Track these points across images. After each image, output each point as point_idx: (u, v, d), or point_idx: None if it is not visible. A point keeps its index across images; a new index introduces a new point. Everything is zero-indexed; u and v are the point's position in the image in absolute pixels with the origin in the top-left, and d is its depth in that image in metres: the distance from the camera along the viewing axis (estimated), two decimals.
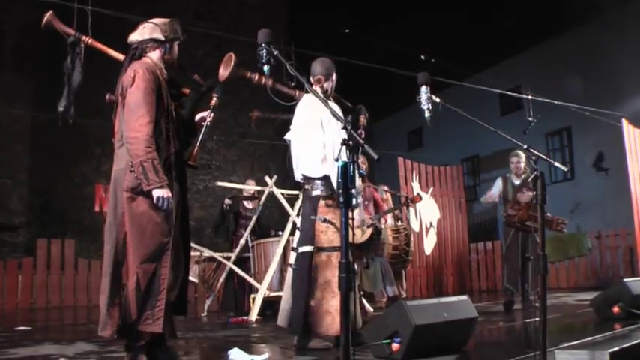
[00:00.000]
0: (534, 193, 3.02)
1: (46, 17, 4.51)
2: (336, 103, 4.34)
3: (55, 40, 5.03)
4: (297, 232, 4.47)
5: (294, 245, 4.46)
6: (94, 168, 13.73)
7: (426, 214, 11.01)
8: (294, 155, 4.36)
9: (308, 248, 4.14)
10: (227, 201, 8.06)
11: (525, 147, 3.27)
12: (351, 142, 2.27)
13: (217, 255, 7.90)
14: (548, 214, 6.71)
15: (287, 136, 4.51)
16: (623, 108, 12.40)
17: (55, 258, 10.59)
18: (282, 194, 7.59)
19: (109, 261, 3.15)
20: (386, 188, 8.64)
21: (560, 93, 12.07)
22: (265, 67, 2.83)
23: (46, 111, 12.02)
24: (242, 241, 7.61)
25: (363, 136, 4.50)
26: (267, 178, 7.77)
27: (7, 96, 13.28)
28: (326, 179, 4.14)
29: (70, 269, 10.68)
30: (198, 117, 3.69)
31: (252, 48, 2.93)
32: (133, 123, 3.10)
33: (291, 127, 4.45)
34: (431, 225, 11.20)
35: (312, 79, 4.29)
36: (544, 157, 3.24)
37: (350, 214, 2.27)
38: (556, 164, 3.61)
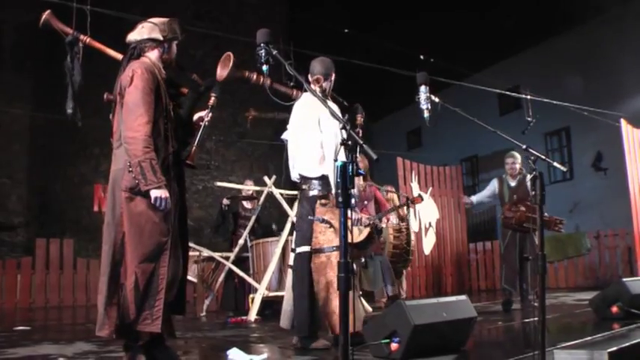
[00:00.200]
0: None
1: (43, 16, 4.51)
2: (334, 102, 4.34)
3: (55, 39, 5.03)
4: (296, 233, 4.46)
5: (293, 246, 4.46)
6: (93, 168, 13.72)
7: (425, 214, 11.01)
8: (290, 155, 4.36)
9: (306, 249, 4.14)
10: (225, 201, 8.06)
11: (524, 147, 3.27)
12: (350, 142, 2.27)
13: (216, 255, 7.89)
14: (546, 215, 6.72)
15: (284, 136, 4.51)
16: (623, 108, 12.40)
17: (53, 258, 10.58)
18: (281, 194, 7.58)
19: (107, 261, 3.15)
20: (390, 188, 8.64)
21: (560, 93, 12.08)
22: (264, 67, 2.83)
23: (44, 110, 12.05)
24: (241, 241, 7.61)
25: (360, 135, 4.50)
26: (266, 178, 7.77)
27: (6, 95, 13.26)
28: (323, 179, 4.14)
29: (68, 269, 10.67)
30: (196, 116, 3.69)
31: (251, 48, 2.93)
32: (132, 123, 3.10)
33: (288, 126, 4.44)
34: (430, 225, 11.19)
35: (310, 78, 4.28)
36: (543, 157, 3.24)
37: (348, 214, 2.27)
38: (555, 164, 3.61)
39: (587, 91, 14.23)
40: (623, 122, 10.13)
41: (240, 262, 7.67)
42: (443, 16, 17.78)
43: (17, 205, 14.12)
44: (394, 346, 3.36)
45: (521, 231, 6.94)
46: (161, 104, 3.25)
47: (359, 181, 7.62)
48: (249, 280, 7.38)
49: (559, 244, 11.44)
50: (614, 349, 3.14)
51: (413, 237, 8.28)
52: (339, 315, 2.21)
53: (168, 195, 3.11)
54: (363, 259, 7.60)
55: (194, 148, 3.64)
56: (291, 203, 7.43)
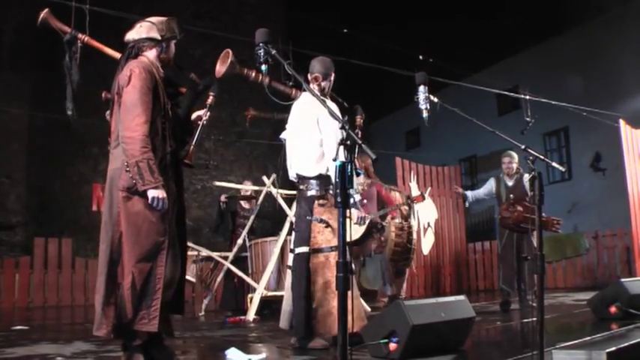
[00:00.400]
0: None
1: (41, 15, 4.50)
2: (333, 102, 4.34)
3: (54, 39, 5.02)
4: (294, 233, 4.46)
5: (292, 246, 4.45)
6: (92, 167, 13.71)
7: (424, 214, 10.99)
8: (288, 154, 4.36)
9: (304, 249, 4.13)
10: (223, 198, 8.07)
11: (523, 147, 3.27)
12: (348, 142, 2.27)
13: (215, 255, 7.89)
14: (544, 215, 6.72)
15: (283, 135, 4.51)
16: (621, 108, 12.41)
17: (52, 257, 10.57)
18: (280, 194, 7.58)
19: (105, 260, 3.15)
20: (394, 187, 8.63)
21: (559, 93, 12.09)
22: (263, 67, 2.83)
23: (43, 110, 12.03)
24: (239, 241, 7.61)
25: (359, 136, 4.50)
26: (264, 178, 7.77)
27: (5, 95, 13.24)
28: (321, 178, 4.14)
29: (67, 268, 10.66)
30: (194, 116, 3.69)
31: (250, 47, 2.92)
32: (129, 122, 3.10)
33: (287, 126, 4.44)
34: (429, 225, 11.18)
35: (309, 77, 4.28)
36: (542, 157, 3.24)
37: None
38: (554, 164, 3.61)
39: (586, 91, 14.24)
40: (621, 122, 10.14)
41: (239, 261, 7.66)
42: (442, 16, 17.80)
43: (16, 205, 14.10)
44: (393, 346, 3.36)
45: (519, 231, 6.94)
46: (159, 103, 3.25)
47: (361, 179, 7.64)
48: (248, 279, 7.38)
49: (558, 245, 11.46)
50: (613, 349, 3.14)
51: (415, 236, 8.26)
52: (338, 315, 2.21)
53: (165, 195, 3.10)
54: (362, 258, 7.60)
55: (192, 147, 3.64)
56: (289, 203, 7.44)
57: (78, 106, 5.09)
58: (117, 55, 3.91)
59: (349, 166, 2.23)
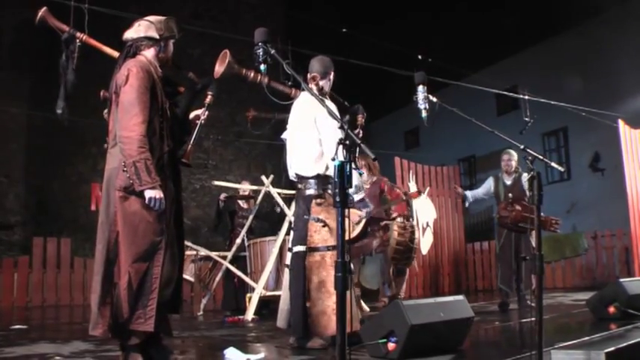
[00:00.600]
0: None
1: (40, 13, 4.49)
2: (333, 102, 4.34)
3: (53, 38, 5.02)
4: (292, 232, 4.46)
5: (290, 246, 4.45)
6: (91, 167, 13.70)
7: (423, 214, 10.98)
8: (288, 153, 4.36)
9: (301, 248, 4.13)
10: (222, 197, 8.08)
11: (522, 147, 3.27)
12: (347, 142, 2.26)
13: (213, 254, 7.89)
14: (542, 214, 6.72)
15: (284, 135, 4.50)
16: (620, 108, 12.42)
17: (50, 257, 10.56)
18: (279, 193, 7.58)
19: (101, 260, 3.15)
20: (397, 186, 8.63)
21: (558, 93, 12.09)
22: (262, 66, 2.82)
23: (42, 109, 12.01)
24: (238, 241, 7.61)
25: (360, 135, 4.50)
26: (263, 178, 7.76)
27: (4, 94, 13.23)
28: (319, 178, 4.14)
29: (65, 268, 10.65)
30: (192, 115, 3.68)
31: (249, 47, 2.92)
32: (127, 122, 3.09)
33: (287, 126, 4.44)
34: (427, 225, 11.18)
35: (308, 76, 4.28)
36: (541, 157, 3.24)
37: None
38: (553, 164, 3.61)
39: (585, 91, 14.25)
40: (620, 123, 10.14)
41: (238, 261, 7.66)
42: (441, 16, 17.80)
43: (14, 204, 14.10)
44: (391, 345, 3.36)
45: (517, 231, 6.93)
46: (156, 103, 3.24)
47: (365, 177, 7.63)
48: (247, 279, 7.37)
49: (556, 245, 11.46)
50: (612, 349, 3.13)
51: (417, 235, 8.26)
52: (336, 315, 2.20)
53: (162, 195, 3.10)
54: (362, 257, 7.59)
55: (190, 146, 3.63)
56: (289, 203, 7.43)
57: (72, 105, 5.06)
58: (115, 54, 3.90)
59: (348, 166, 2.22)
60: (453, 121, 8.81)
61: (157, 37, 3.37)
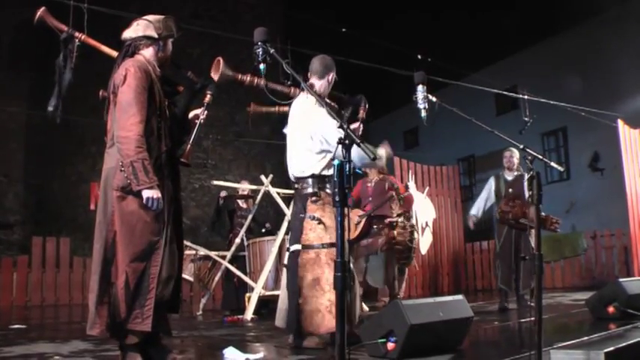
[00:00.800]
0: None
1: (38, 13, 4.48)
2: (333, 100, 4.34)
3: (52, 37, 5.01)
4: (290, 232, 4.47)
5: (288, 245, 4.46)
6: (90, 166, 13.70)
7: (422, 214, 10.99)
8: (288, 153, 4.36)
9: (298, 247, 4.13)
10: (222, 193, 8.09)
11: (521, 147, 3.26)
12: (347, 141, 2.26)
13: (213, 254, 7.89)
14: (543, 213, 6.73)
15: (285, 130, 4.49)
16: (620, 108, 12.42)
17: (50, 256, 10.56)
18: (278, 193, 7.58)
19: (99, 260, 3.14)
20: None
21: (557, 93, 12.10)
22: (261, 66, 2.82)
23: (41, 109, 11.99)
24: (237, 240, 7.61)
25: (361, 129, 4.48)
26: (262, 177, 7.77)
27: (3, 93, 13.24)
28: (316, 177, 4.14)
29: (65, 267, 10.65)
30: (191, 114, 3.68)
31: (248, 46, 2.92)
32: (124, 122, 3.09)
33: (289, 119, 4.44)
34: (427, 224, 11.19)
35: (308, 76, 4.28)
36: (540, 156, 3.23)
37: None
38: (552, 164, 3.60)
39: (584, 91, 14.26)
40: (620, 122, 10.15)
41: (237, 261, 7.66)
42: (441, 16, 17.80)
43: (14, 204, 14.11)
44: (391, 345, 3.36)
45: (517, 228, 6.92)
46: (154, 103, 3.24)
47: (372, 175, 7.64)
48: (246, 279, 7.37)
49: (556, 244, 11.46)
50: (611, 349, 3.13)
51: (416, 235, 8.26)
52: (335, 314, 2.20)
53: (160, 195, 3.10)
54: (367, 255, 7.58)
55: (189, 146, 3.62)
56: (288, 202, 7.44)
57: (71, 104, 5.07)
58: (114, 53, 3.89)
59: (347, 166, 2.22)
60: (453, 121, 8.82)
61: (156, 36, 3.36)
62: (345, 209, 2.22)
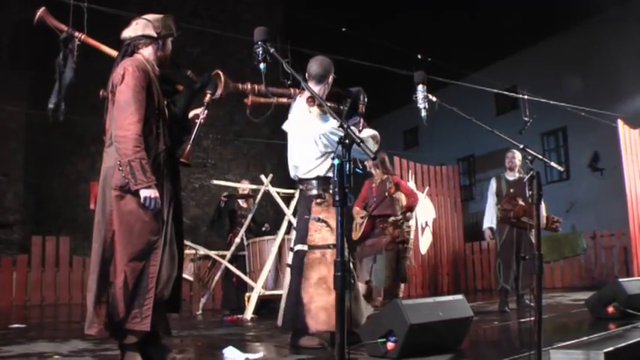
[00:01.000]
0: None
1: (38, 13, 4.47)
2: (331, 96, 4.34)
3: (52, 37, 5.01)
4: (294, 232, 4.47)
5: (292, 245, 4.46)
6: (89, 165, 13.68)
7: (422, 214, 11.01)
8: (289, 153, 4.36)
9: (302, 247, 4.14)
10: (224, 195, 8.10)
11: (521, 147, 3.26)
12: (347, 141, 2.26)
13: (212, 253, 7.88)
14: (544, 212, 6.73)
15: (284, 127, 4.48)
16: (620, 108, 12.43)
17: (49, 255, 10.55)
18: (278, 193, 7.58)
19: (97, 259, 3.14)
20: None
21: (557, 92, 12.10)
22: (261, 65, 2.82)
23: (41, 108, 11.99)
24: (237, 240, 7.61)
25: (362, 125, 4.47)
26: (262, 177, 7.76)
27: (3, 92, 13.23)
28: (320, 179, 4.14)
29: (64, 267, 10.64)
30: (191, 114, 3.67)
31: (248, 46, 2.92)
32: (122, 121, 3.09)
33: (289, 115, 4.43)
34: (426, 224, 11.20)
35: (307, 76, 4.28)
36: (540, 156, 3.23)
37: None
38: (552, 164, 3.60)
39: (584, 91, 14.26)
40: (620, 123, 10.15)
41: (237, 260, 7.66)
42: (441, 16, 17.79)
43: (13, 203, 14.11)
44: (390, 345, 3.36)
45: (518, 226, 6.91)
46: (153, 102, 3.23)
47: (377, 176, 7.64)
48: (246, 278, 7.37)
49: (555, 244, 11.47)
50: (611, 349, 3.13)
51: (412, 235, 8.26)
52: (336, 314, 2.19)
53: (158, 195, 3.09)
54: (375, 255, 7.57)
55: (189, 146, 3.61)
56: (287, 202, 7.43)
57: (71, 104, 5.05)
58: (114, 53, 3.88)
59: (347, 165, 2.22)
60: (453, 121, 8.82)
61: (155, 35, 3.36)
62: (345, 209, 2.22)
